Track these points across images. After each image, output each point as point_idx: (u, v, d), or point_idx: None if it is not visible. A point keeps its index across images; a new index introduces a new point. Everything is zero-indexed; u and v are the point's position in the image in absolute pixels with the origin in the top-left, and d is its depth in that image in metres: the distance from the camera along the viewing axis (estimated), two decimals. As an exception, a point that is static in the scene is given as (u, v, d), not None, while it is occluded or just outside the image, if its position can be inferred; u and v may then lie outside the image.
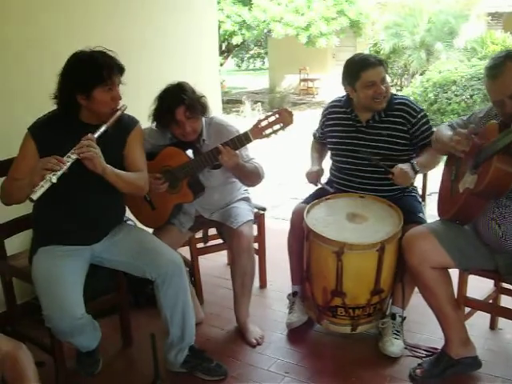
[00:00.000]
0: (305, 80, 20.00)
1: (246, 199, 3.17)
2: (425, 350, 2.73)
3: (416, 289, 2.71)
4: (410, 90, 10.63)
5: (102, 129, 2.29)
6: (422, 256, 2.42)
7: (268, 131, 2.58)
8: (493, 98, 2.23)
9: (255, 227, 3.33)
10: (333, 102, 3.13)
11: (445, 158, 2.70)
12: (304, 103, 18.15)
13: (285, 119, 2.56)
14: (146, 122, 2.80)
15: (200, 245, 3.31)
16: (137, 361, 2.83)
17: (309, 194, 3.12)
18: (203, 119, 2.88)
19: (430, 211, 3.10)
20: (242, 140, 2.63)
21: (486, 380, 2.52)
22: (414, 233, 2.51)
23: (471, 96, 9.23)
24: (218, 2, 15.42)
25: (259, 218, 3.38)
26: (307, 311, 2.98)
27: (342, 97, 3.04)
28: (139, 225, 2.99)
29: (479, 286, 2.73)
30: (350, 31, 17.14)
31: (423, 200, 3.15)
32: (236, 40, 17.17)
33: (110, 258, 2.53)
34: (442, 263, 2.43)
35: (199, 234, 3.31)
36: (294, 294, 3.09)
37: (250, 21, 16.33)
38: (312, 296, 2.82)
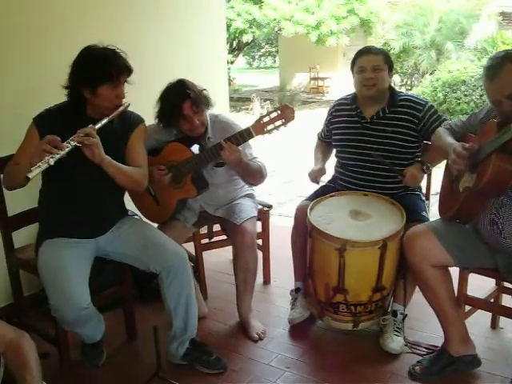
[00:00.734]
0: (315, 78, 19.99)
1: (250, 196, 3.19)
2: (425, 348, 2.75)
3: (417, 287, 2.73)
4: (420, 89, 10.62)
5: (104, 121, 2.34)
6: (422, 254, 2.44)
7: (270, 127, 2.62)
8: (491, 97, 2.25)
9: (260, 224, 3.37)
10: (340, 99, 3.17)
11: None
12: (314, 102, 18.15)
13: (286, 115, 2.59)
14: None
15: (204, 240, 3.34)
16: (140, 353, 2.86)
17: (314, 191, 3.15)
18: (208, 116, 2.92)
19: (435, 210, 3.11)
20: (245, 135, 2.66)
21: (485, 378, 2.54)
22: (414, 231, 2.53)
23: (481, 96, 9.20)
24: (228, 0, 15.47)
25: (264, 215, 3.40)
26: (309, 307, 3.00)
27: (350, 94, 3.08)
28: (145, 220, 3.02)
29: (481, 285, 2.75)
30: (361, 30, 17.15)
31: (427, 199, 3.16)
32: (246, 38, 17.24)
33: (115, 251, 2.57)
34: (442, 261, 2.44)
35: (204, 230, 3.35)
36: (297, 290, 3.11)
37: (261, 19, 16.39)
38: (314, 292, 2.84)
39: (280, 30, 16.78)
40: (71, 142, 2.20)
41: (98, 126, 2.31)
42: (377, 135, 2.90)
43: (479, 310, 2.71)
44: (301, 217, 2.94)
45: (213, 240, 3.38)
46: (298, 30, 16.08)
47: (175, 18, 4.09)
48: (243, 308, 3.01)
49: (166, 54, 3.99)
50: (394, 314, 2.82)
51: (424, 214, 2.85)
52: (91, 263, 2.49)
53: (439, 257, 2.43)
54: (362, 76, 2.85)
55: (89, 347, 2.68)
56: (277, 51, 24.85)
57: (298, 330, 3.00)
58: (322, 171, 3.10)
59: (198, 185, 2.87)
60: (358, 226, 2.70)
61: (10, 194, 2.58)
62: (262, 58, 32.06)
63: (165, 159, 2.84)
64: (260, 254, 3.44)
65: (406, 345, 2.75)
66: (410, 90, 13.39)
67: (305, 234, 2.86)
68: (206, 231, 3.36)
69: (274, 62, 29.33)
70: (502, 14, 15.60)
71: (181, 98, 2.74)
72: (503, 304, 2.82)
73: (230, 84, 16.95)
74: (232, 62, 19.08)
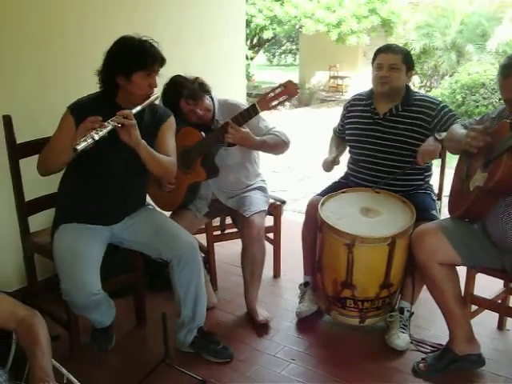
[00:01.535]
0: (334, 77, 19.91)
1: (262, 189, 3.23)
2: (430, 346, 2.76)
3: (425, 285, 2.74)
4: (439, 91, 10.57)
5: (138, 108, 2.40)
6: (430, 251, 2.46)
7: (274, 102, 2.68)
8: (504, 95, 2.27)
9: (271, 218, 3.40)
10: (356, 95, 3.21)
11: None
12: (332, 100, 18.08)
13: (290, 90, 2.65)
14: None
15: (216, 232, 3.37)
16: (149, 340, 2.91)
17: (326, 186, 3.17)
18: (215, 100, 3.01)
19: (447, 212, 3.11)
20: (250, 112, 2.73)
21: (488, 378, 2.55)
22: (423, 228, 2.55)
23: (499, 99, 9.12)
24: (250, -4, 15.47)
25: (276, 210, 3.42)
26: (317, 301, 3.03)
27: (367, 90, 3.12)
28: (158, 209, 3.06)
29: (490, 286, 2.76)
30: (382, 30, 17.03)
31: (439, 199, 3.17)
32: (267, 34, 17.22)
33: (128, 238, 2.62)
34: (449, 259, 2.46)
35: (216, 222, 3.39)
36: (306, 284, 3.14)
37: (282, 16, 16.36)
38: (322, 287, 2.87)
39: (301, 27, 16.75)
40: (111, 122, 2.25)
41: (135, 111, 2.36)
42: (388, 132, 2.92)
43: (486, 311, 2.71)
44: (312, 211, 2.97)
45: (224, 232, 3.42)
46: (319, 28, 16.04)
47: (195, 12, 4.11)
48: (250, 299, 3.06)
49: (185, 48, 4.01)
50: (401, 311, 2.84)
51: (434, 212, 2.86)
52: (104, 250, 2.54)
53: (447, 255, 2.44)
54: (377, 73, 2.89)
55: (99, 331, 2.74)
56: (297, 49, 24.80)
57: (305, 324, 3.03)
58: (335, 160, 3.11)
59: (208, 168, 2.92)
60: (367, 222, 2.72)
61: (27, 180, 2.65)
62: (283, 56, 31.96)
63: (179, 144, 2.87)
64: (271, 247, 3.48)
65: (411, 342, 2.77)
66: (429, 91, 13.28)
67: (315, 228, 2.88)
68: (218, 224, 3.41)
69: (295, 59, 29.23)
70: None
71: (175, 99, 2.85)
72: (511, 305, 2.83)
73: (249, 80, 17.00)
74: (252, 59, 19.04)
